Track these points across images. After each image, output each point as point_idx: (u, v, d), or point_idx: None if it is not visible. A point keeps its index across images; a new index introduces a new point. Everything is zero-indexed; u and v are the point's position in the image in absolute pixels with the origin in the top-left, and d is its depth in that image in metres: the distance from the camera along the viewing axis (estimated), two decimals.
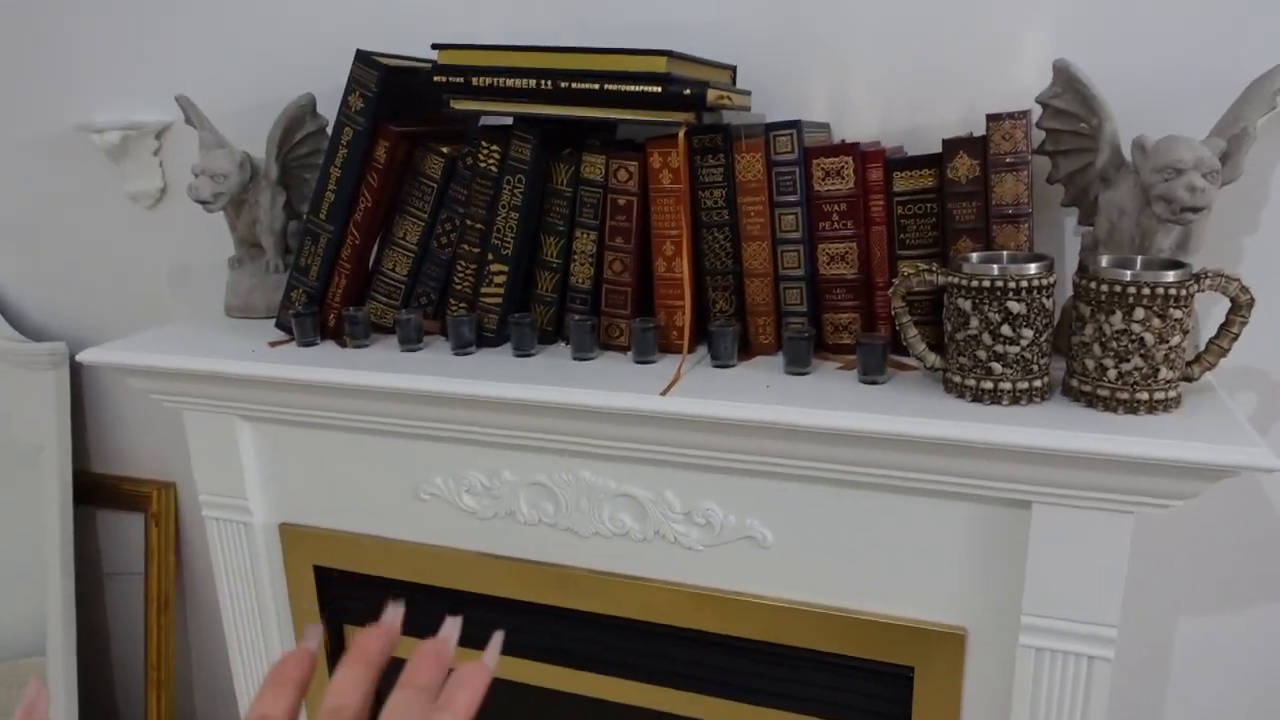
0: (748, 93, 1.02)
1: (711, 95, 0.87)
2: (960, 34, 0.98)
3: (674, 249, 0.92)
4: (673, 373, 0.88)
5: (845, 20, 1.01)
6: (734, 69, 1.02)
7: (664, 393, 0.83)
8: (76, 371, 1.50)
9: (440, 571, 1.03)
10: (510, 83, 0.88)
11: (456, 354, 0.96)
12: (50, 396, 1.44)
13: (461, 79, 0.90)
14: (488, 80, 0.89)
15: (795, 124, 0.89)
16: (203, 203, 1.08)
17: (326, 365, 0.94)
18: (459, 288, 0.99)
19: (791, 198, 0.91)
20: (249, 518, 1.08)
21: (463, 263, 0.99)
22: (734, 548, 0.90)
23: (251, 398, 1.00)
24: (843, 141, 0.95)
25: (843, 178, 0.89)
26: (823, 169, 0.90)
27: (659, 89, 0.84)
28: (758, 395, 0.82)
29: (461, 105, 0.91)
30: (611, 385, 0.86)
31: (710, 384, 0.86)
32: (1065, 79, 0.86)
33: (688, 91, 0.83)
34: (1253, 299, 0.76)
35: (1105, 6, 0.93)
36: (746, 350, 0.95)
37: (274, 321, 1.08)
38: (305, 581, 1.10)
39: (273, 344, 1.02)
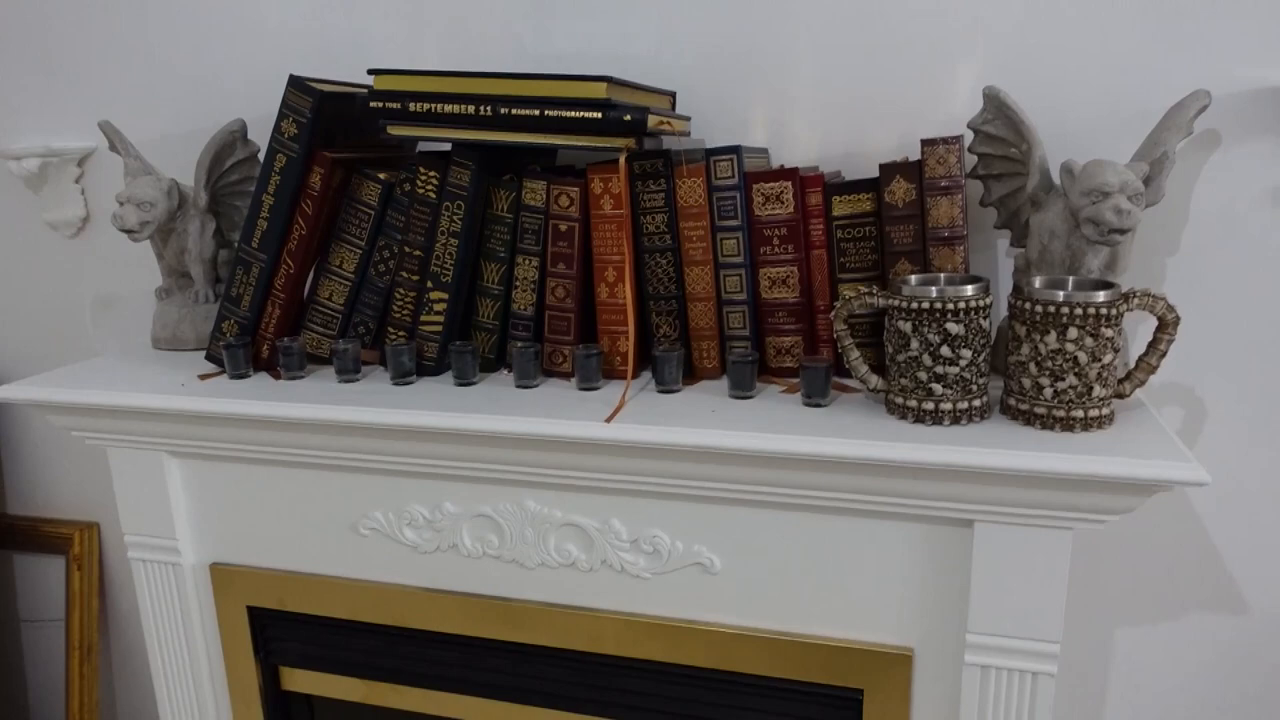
0: (687, 118, 1.02)
1: (652, 121, 0.87)
2: (895, 62, 1.00)
3: (616, 274, 0.92)
4: (617, 399, 0.87)
5: (782, 48, 1.03)
6: (674, 95, 1.03)
7: (609, 419, 0.82)
8: None
9: (381, 608, 1.00)
10: (448, 108, 0.87)
11: (396, 384, 0.94)
12: None
13: (398, 104, 0.89)
14: (425, 106, 0.88)
15: (735, 149, 0.90)
16: (128, 232, 1.04)
17: (260, 398, 0.91)
18: (398, 316, 0.97)
19: (733, 222, 0.91)
20: (178, 558, 1.04)
21: (401, 290, 0.97)
22: (682, 575, 0.90)
23: (181, 433, 0.97)
24: (782, 167, 0.96)
25: (783, 202, 0.90)
26: (763, 194, 0.90)
27: (599, 115, 0.84)
28: (703, 420, 0.82)
29: (399, 131, 0.90)
30: (555, 413, 0.85)
31: (655, 410, 0.85)
32: (996, 105, 0.88)
33: (628, 117, 0.83)
34: (1178, 317, 0.78)
35: (1033, 38, 0.96)
36: (691, 375, 0.95)
37: (204, 353, 1.04)
38: (238, 623, 1.06)
39: (203, 377, 0.99)
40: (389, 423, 0.86)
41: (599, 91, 0.83)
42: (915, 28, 0.99)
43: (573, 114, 0.84)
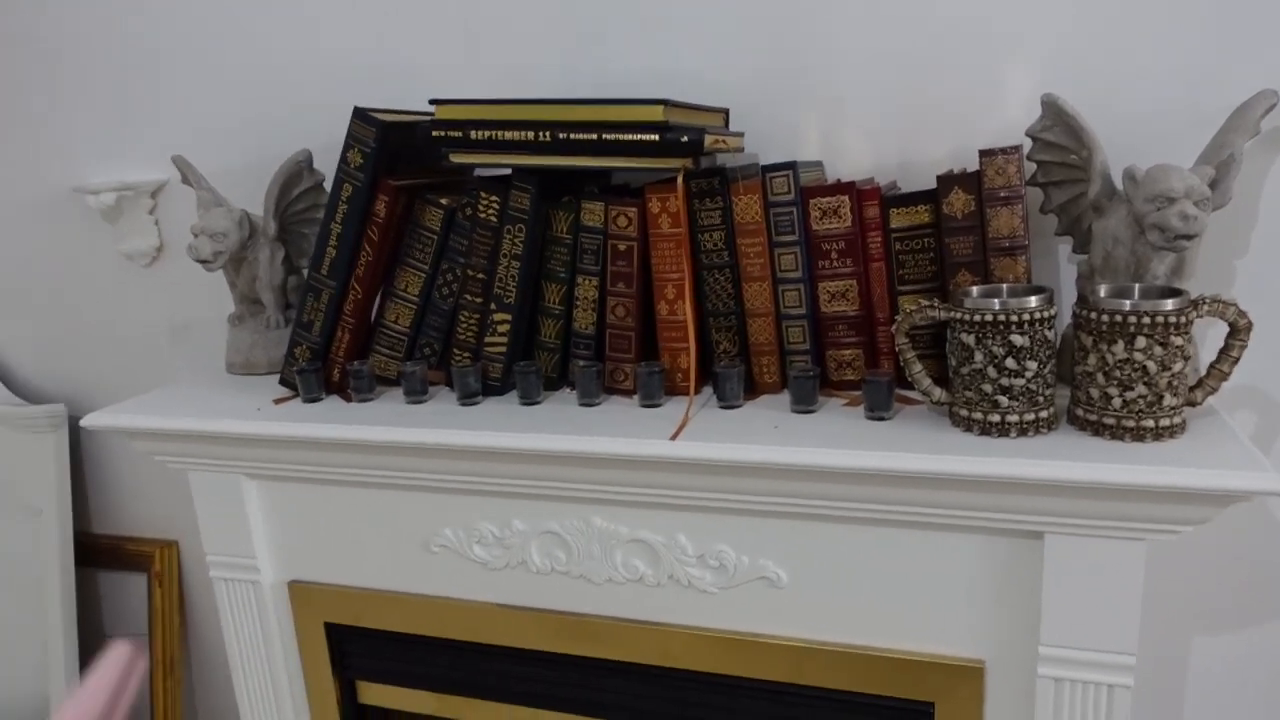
0: (741, 135, 1.03)
1: (708, 140, 0.88)
2: (948, 70, 1.00)
3: (675, 292, 0.93)
4: (680, 416, 0.88)
5: (833, 59, 1.03)
6: (726, 112, 1.04)
7: (673, 437, 0.83)
8: (75, 432, 1.49)
9: (453, 624, 1.02)
10: (508, 135, 0.89)
11: (463, 404, 0.97)
12: (49, 459, 1.44)
13: (460, 133, 0.91)
14: (486, 134, 0.90)
15: (791, 165, 0.90)
16: (203, 262, 1.08)
17: (333, 421, 0.94)
18: (463, 338, 1.00)
19: (790, 237, 0.92)
20: (257, 576, 1.08)
21: (466, 313, 0.99)
22: (748, 589, 0.90)
23: (258, 456, 1.00)
24: (838, 180, 0.96)
25: (840, 216, 0.91)
26: (819, 208, 0.91)
27: (656, 137, 0.85)
28: (766, 436, 0.82)
29: (461, 158, 0.92)
30: (619, 431, 0.86)
31: (718, 426, 0.86)
32: (1054, 112, 0.88)
33: (685, 138, 0.84)
34: (1250, 323, 0.77)
35: (1089, 41, 0.95)
36: (752, 390, 0.96)
37: (277, 378, 1.08)
38: (316, 639, 1.09)
39: (277, 401, 1.02)
40: (457, 443, 0.88)
41: (656, 114, 0.85)
42: (965, 35, 0.98)
43: (630, 137, 0.86)
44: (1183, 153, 0.91)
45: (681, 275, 0.92)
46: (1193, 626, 1.07)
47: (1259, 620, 1.05)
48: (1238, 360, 0.79)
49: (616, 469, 0.87)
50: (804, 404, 0.88)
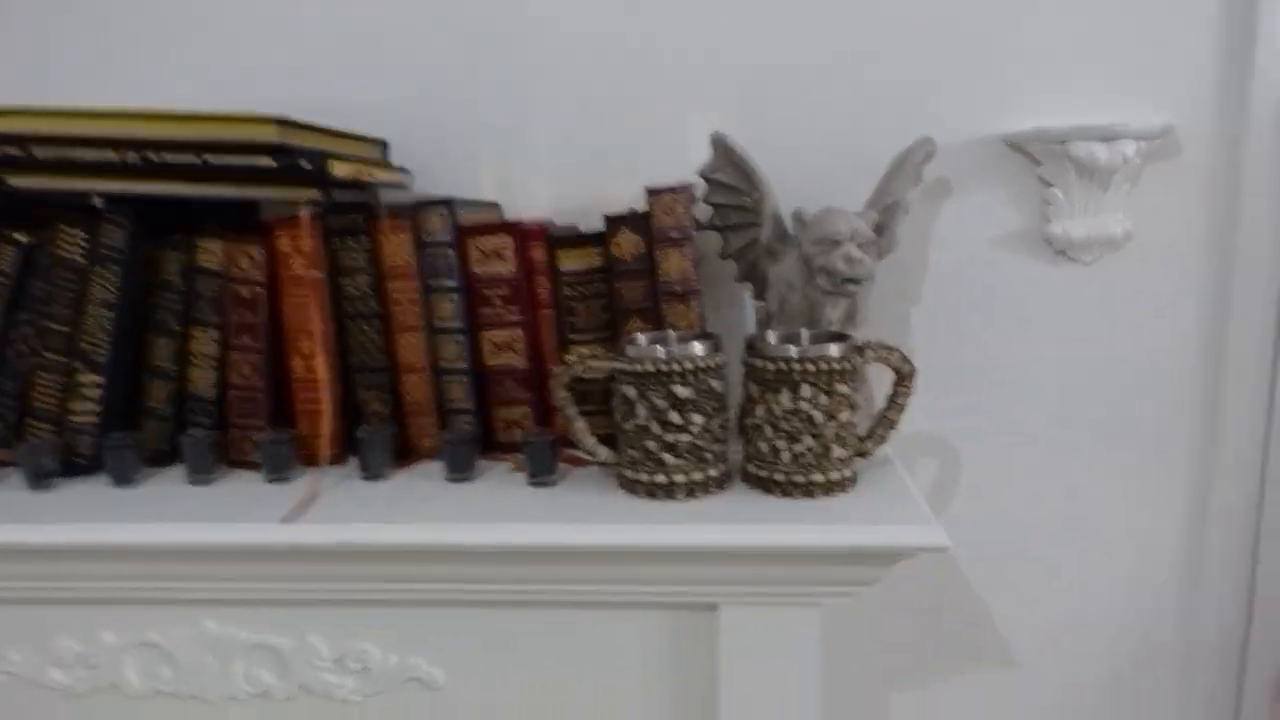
0: (405, 170, 0.92)
1: (344, 169, 0.76)
2: (632, 112, 0.94)
3: (312, 345, 0.79)
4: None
5: (512, 96, 0.95)
6: (384, 143, 0.92)
7: (286, 519, 0.68)
8: None
9: None
10: (83, 154, 0.73)
11: (35, 490, 0.76)
12: None
13: (18, 149, 0.73)
14: (54, 152, 0.73)
15: (447, 201, 0.80)
16: None
17: None
18: (39, 404, 0.80)
19: (448, 282, 0.81)
20: None
21: (43, 374, 0.79)
22: (399, 693, 0.76)
23: None
24: (501, 219, 0.87)
25: (503, 258, 0.81)
26: (480, 249, 0.81)
27: (272, 160, 0.71)
28: (407, 512, 0.70)
29: (22, 181, 0.74)
30: (230, 514, 0.70)
31: (354, 502, 0.72)
32: (723, 151, 0.83)
33: (305, 163, 0.72)
34: (914, 369, 0.74)
35: (770, 84, 0.92)
36: (408, 456, 0.83)
37: None
38: None
39: None
40: (5, 541, 0.68)
41: (268, 133, 0.71)
42: (651, 77, 0.93)
43: (239, 160, 0.72)
44: (858, 200, 0.89)
45: (319, 325, 0.79)
46: (890, 684, 1.04)
47: (955, 671, 1.03)
48: (904, 408, 0.75)
49: (225, 562, 0.71)
50: (460, 471, 0.76)
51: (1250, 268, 0.93)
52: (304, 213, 0.74)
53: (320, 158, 0.72)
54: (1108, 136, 0.89)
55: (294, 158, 0.71)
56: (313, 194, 0.74)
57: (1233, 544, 0.98)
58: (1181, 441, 0.98)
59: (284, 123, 0.71)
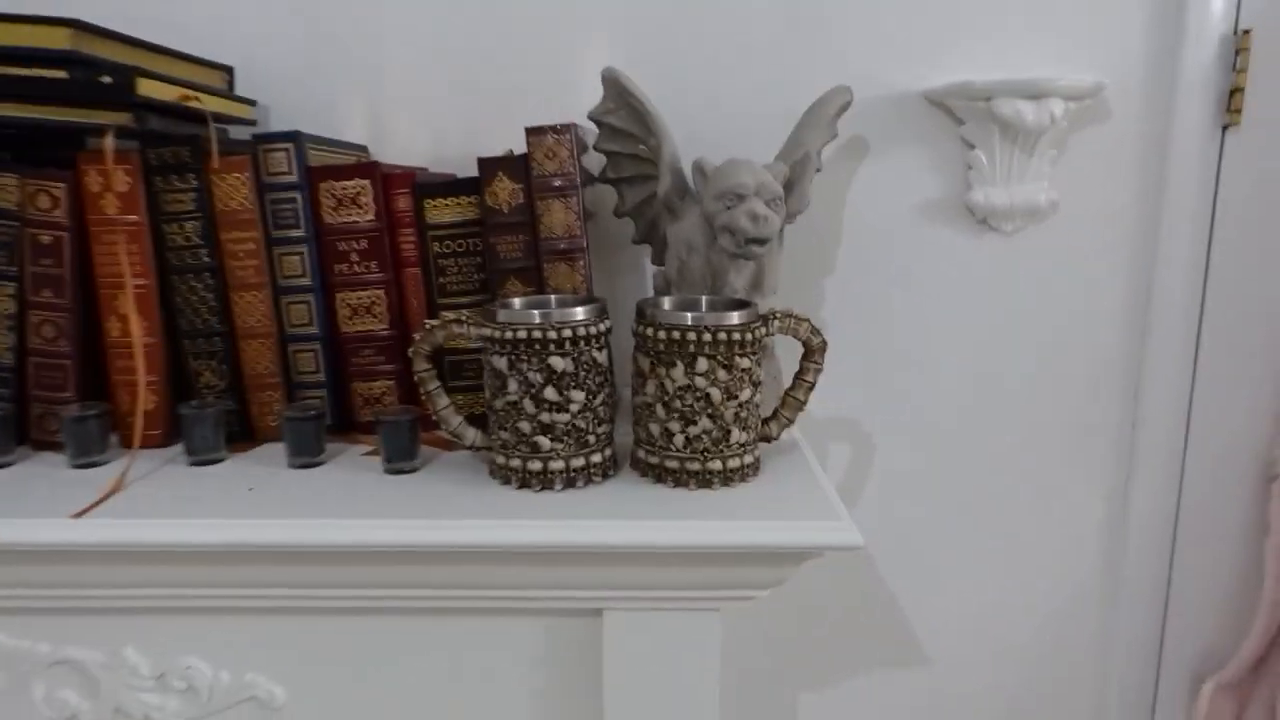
0: (251, 102, 0.79)
1: (161, 90, 0.63)
2: (518, 47, 0.84)
3: (128, 304, 0.67)
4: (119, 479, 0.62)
5: (382, 29, 0.83)
6: (229, 69, 0.80)
7: (79, 514, 0.56)
8: None
9: None
10: None
11: None
12: None
13: None
14: None
15: (293, 135, 0.68)
16: None
17: None
18: None
19: (295, 233, 0.69)
20: None
21: None
22: (232, 716, 0.65)
23: None
24: (357, 160, 0.75)
25: (361, 206, 0.70)
26: (334, 195, 0.69)
27: (64, 73, 0.59)
28: (229, 505, 0.59)
29: None
30: (19, 506, 0.58)
31: (171, 491, 0.61)
32: (616, 91, 0.73)
33: (106, 77, 0.59)
34: (824, 342, 0.66)
35: (667, 22, 0.83)
36: (250, 437, 0.71)
37: None
38: None
39: None
40: None
41: (59, 39, 0.58)
42: (541, 10, 0.83)
43: (23, 71, 0.59)
44: (765, 153, 0.81)
45: (137, 280, 0.66)
46: (798, 683, 0.97)
47: (860, 670, 0.97)
48: (813, 385, 0.67)
49: (9, 565, 0.59)
50: (304, 455, 0.65)
51: (1173, 243, 0.89)
52: (108, 140, 0.62)
53: (127, 73, 0.59)
54: (1035, 94, 0.82)
55: (92, 71, 0.59)
56: (121, 118, 0.61)
57: (1153, 529, 0.94)
58: (1102, 427, 0.93)
59: (81, 27, 0.58)
